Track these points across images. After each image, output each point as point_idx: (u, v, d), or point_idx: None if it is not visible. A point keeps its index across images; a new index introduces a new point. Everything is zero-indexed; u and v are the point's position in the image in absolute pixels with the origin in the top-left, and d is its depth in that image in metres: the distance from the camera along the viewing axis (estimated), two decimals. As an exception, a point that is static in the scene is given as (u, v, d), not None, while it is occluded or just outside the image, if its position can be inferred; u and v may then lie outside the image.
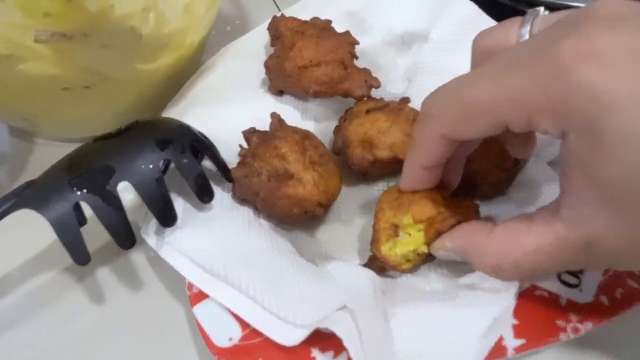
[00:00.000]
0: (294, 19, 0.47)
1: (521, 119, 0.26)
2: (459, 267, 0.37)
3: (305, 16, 0.48)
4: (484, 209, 0.39)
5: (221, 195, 0.39)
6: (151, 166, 0.34)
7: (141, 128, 0.37)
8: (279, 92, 0.47)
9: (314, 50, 0.44)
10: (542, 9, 0.31)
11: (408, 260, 0.36)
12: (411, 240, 0.35)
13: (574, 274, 0.35)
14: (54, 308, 0.39)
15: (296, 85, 0.45)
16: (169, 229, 0.36)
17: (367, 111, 0.43)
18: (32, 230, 0.40)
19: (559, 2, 0.49)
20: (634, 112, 0.23)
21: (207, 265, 0.35)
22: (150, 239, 0.37)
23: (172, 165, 0.39)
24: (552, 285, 0.34)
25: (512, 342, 0.32)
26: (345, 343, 0.29)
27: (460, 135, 0.30)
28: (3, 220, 0.34)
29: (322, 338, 0.32)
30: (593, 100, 0.23)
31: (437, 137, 0.31)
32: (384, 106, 0.43)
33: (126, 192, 0.35)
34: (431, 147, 0.32)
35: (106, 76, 0.41)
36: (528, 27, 0.30)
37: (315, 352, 0.32)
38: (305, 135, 0.41)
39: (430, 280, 0.37)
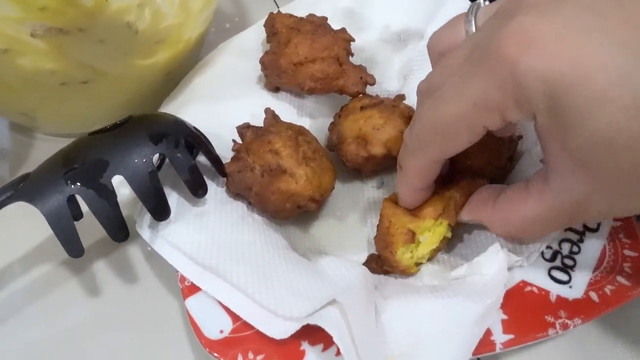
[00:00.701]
0: (290, 15, 0.48)
1: (495, 118, 0.28)
2: (449, 261, 0.38)
3: (302, 13, 0.48)
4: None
5: (215, 190, 0.39)
6: (145, 160, 0.34)
7: (135, 122, 0.37)
8: (274, 89, 0.47)
9: (310, 46, 0.45)
10: (481, 0, 0.33)
11: (417, 264, 0.37)
12: (427, 243, 0.36)
13: (565, 270, 0.35)
14: (49, 301, 0.40)
15: (291, 82, 0.45)
16: (162, 223, 0.37)
17: (362, 108, 0.43)
18: (28, 224, 0.40)
19: None
20: (580, 85, 0.25)
21: (199, 259, 0.35)
22: (145, 232, 0.37)
23: (167, 161, 0.39)
24: (542, 281, 0.35)
25: (500, 337, 0.32)
26: (335, 339, 0.30)
27: (450, 154, 0.32)
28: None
29: (312, 331, 0.32)
30: (542, 82, 0.25)
31: (429, 164, 0.33)
32: (378, 103, 0.43)
33: (122, 187, 0.36)
34: (424, 173, 0.34)
35: (103, 71, 0.41)
36: (472, 22, 0.33)
37: (304, 345, 0.32)
38: (299, 130, 0.41)
39: (421, 275, 0.37)
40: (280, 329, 0.32)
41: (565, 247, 0.36)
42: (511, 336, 0.32)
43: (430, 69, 0.48)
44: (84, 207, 0.36)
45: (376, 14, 0.52)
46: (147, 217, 0.37)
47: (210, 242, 0.36)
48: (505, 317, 0.33)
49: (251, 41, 0.50)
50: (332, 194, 0.42)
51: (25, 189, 0.34)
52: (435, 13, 0.50)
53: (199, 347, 0.36)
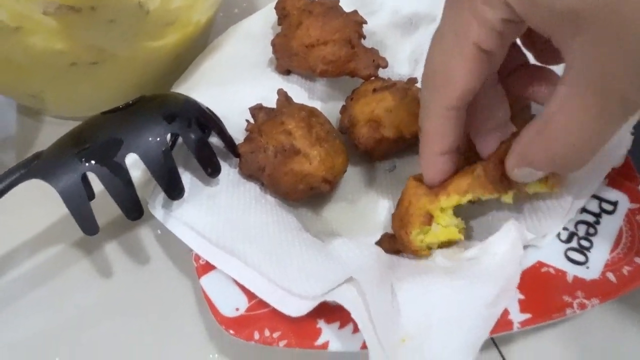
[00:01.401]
0: (301, -3, 0.47)
1: (475, 28, 0.28)
2: (462, 242, 0.37)
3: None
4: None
5: (227, 171, 0.39)
6: (158, 139, 0.34)
7: (148, 102, 0.37)
8: (285, 72, 0.47)
9: (321, 28, 0.44)
10: None
11: (429, 248, 0.36)
12: (443, 233, 0.35)
13: (581, 251, 0.35)
14: (61, 282, 0.40)
15: (303, 65, 0.45)
16: (176, 203, 0.36)
17: (374, 90, 0.43)
18: (41, 204, 0.41)
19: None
20: None
21: (214, 238, 0.35)
22: (158, 212, 0.37)
23: (179, 141, 0.39)
24: (558, 262, 0.34)
25: (518, 317, 0.32)
26: (353, 315, 0.30)
27: (458, 95, 0.31)
28: (12, 193, 0.34)
29: (328, 310, 0.32)
30: None
31: (443, 116, 0.32)
32: (391, 85, 0.43)
33: (134, 169, 0.35)
34: (441, 130, 0.33)
35: (113, 53, 0.41)
36: None
37: (320, 323, 0.32)
38: (312, 112, 0.40)
39: (434, 256, 0.37)
40: (296, 307, 0.32)
41: (582, 229, 0.36)
42: (528, 315, 0.32)
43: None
44: (96, 186, 0.37)
45: (387, -2, 0.52)
46: (160, 197, 0.37)
47: (223, 222, 0.36)
48: (521, 296, 0.33)
49: (261, 24, 0.50)
50: (343, 176, 0.41)
51: (38, 166, 0.33)
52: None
53: (212, 328, 0.36)
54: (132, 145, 0.34)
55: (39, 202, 0.41)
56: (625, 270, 0.34)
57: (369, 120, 0.42)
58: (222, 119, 0.40)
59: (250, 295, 0.33)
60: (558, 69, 0.33)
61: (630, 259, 0.34)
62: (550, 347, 0.35)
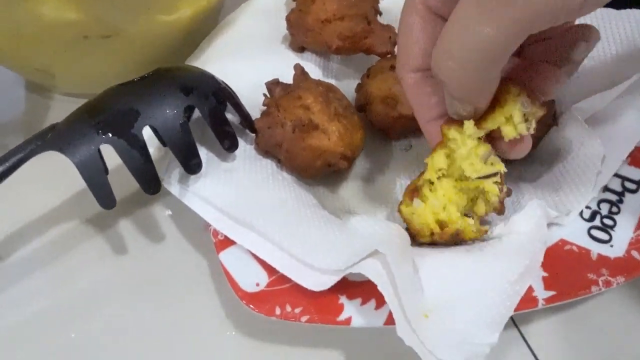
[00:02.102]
0: (317, -28, 0.46)
1: None
2: (484, 220, 0.37)
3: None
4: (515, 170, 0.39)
5: (244, 147, 0.39)
6: (176, 111, 0.33)
7: (164, 73, 0.36)
8: (300, 49, 0.46)
9: (338, 3, 0.43)
10: None
11: (431, 234, 0.34)
12: (425, 208, 0.34)
13: (605, 229, 0.34)
14: (75, 258, 0.39)
15: (318, 41, 0.44)
16: (192, 178, 0.36)
17: (391, 67, 0.42)
18: (55, 179, 0.40)
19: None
20: None
21: (232, 213, 0.34)
22: (174, 188, 0.36)
23: (195, 115, 0.38)
24: (582, 240, 0.34)
25: (542, 294, 0.32)
26: (380, 288, 0.29)
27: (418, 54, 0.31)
28: (26, 167, 0.33)
29: (350, 285, 0.31)
30: None
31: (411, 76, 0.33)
32: (407, 63, 0.42)
33: (148, 144, 0.35)
34: (415, 94, 0.33)
35: (124, 27, 0.40)
36: None
37: (343, 299, 0.32)
38: (329, 87, 0.40)
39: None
40: (318, 282, 0.31)
41: (605, 208, 0.36)
42: (553, 292, 0.32)
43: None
44: (109, 163, 0.36)
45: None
46: (176, 172, 0.37)
47: (241, 197, 0.35)
48: (545, 274, 0.32)
49: (274, 0, 0.49)
50: (359, 155, 0.41)
51: (54, 138, 0.33)
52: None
53: (228, 305, 0.36)
54: (149, 116, 0.33)
55: (53, 178, 0.41)
56: (651, 248, 0.33)
57: (385, 97, 0.41)
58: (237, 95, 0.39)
59: (270, 270, 0.33)
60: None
61: (656, 237, 0.34)
62: (570, 326, 0.35)
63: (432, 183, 0.34)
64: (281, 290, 0.32)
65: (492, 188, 0.33)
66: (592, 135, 0.36)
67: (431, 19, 0.31)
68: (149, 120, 0.33)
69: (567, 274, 0.32)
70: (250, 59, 0.45)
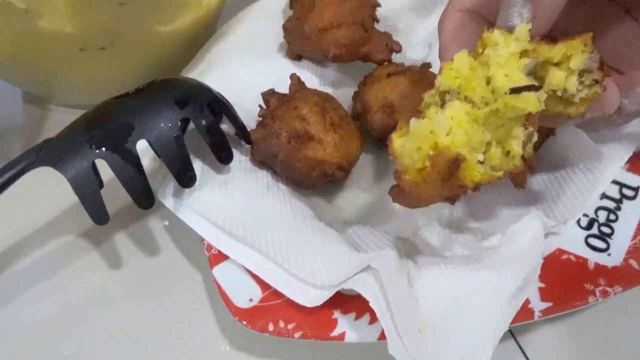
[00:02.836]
0: (314, -20, 0.46)
1: None
2: (480, 231, 0.37)
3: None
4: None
5: (239, 159, 0.38)
6: (170, 124, 0.33)
7: (159, 86, 0.36)
8: (297, 57, 0.46)
9: (335, 11, 0.43)
10: None
11: (422, 169, 0.26)
12: (423, 125, 0.26)
13: (602, 238, 0.34)
14: (70, 272, 0.39)
15: (315, 48, 0.44)
16: (187, 191, 0.36)
17: (389, 75, 0.42)
18: (50, 192, 0.40)
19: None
20: None
21: (226, 227, 0.34)
22: (168, 201, 0.36)
23: (190, 127, 0.38)
24: (579, 249, 0.34)
25: (538, 305, 0.31)
26: (371, 303, 0.29)
27: None
28: (22, 180, 0.33)
29: (344, 300, 0.31)
30: None
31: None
32: (405, 70, 0.42)
33: (142, 157, 0.35)
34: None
35: (123, 37, 0.40)
36: None
37: (336, 314, 0.31)
38: (326, 97, 0.40)
39: (452, 245, 0.36)
40: (311, 297, 0.31)
41: (602, 215, 0.35)
42: (549, 304, 0.31)
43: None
44: (105, 174, 0.36)
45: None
46: (171, 185, 0.37)
47: (236, 211, 0.35)
48: (542, 284, 0.32)
49: (271, 8, 0.49)
50: (356, 164, 0.41)
51: (48, 153, 0.33)
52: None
53: (223, 319, 0.36)
54: (143, 130, 0.33)
55: (49, 190, 0.40)
56: (649, 256, 0.33)
57: (382, 105, 0.41)
58: (233, 104, 0.39)
59: (264, 285, 0.33)
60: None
61: (654, 246, 0.33)
62: (568, 336, 0.35)
63: (443, 100, 0.27)
64: (274, 306, 0.32)
65: (518, 132, 0.26)
66: (590, 143, 0.36)
67: None
68: (144, 134, 0.33)
69: (563, 284, 0.32)
70: (247, 67, 0.45)
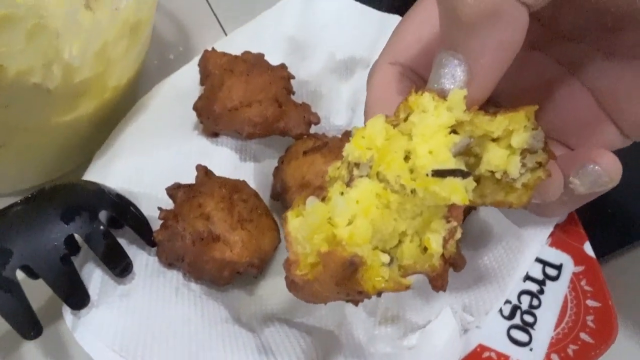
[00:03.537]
0: (224, 54, 0.44)
1: None
2: (402, 325, 0.35)
3: (244, 42, 0.45)
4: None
5: (146, 261, 0.36)
6: (55, 244, 0.31)
7: (45, 198, 0.33)
8: (213, 134, 0.44)
9: (244, 89, 0.41)
10: None
11: (314, 264, 0.22)
12: (320, 209, 0.22)
13: (525, 329, 0.32)
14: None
15: (229, 127, 0.42)
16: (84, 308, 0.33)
17: (305, 153, 0.40)
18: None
19: None
20: None
21: (123, 350, 0.32)
22: (67, 317, 0.34)
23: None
24: (500, 345, 0.32)
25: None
26: None
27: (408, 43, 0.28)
28: None
29: None
30: None
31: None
32: (322, 145, 0.40)
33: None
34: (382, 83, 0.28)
35: (18, 133, 0.38)
36: None
37: None
38: (235, 187, 0.38)
39: (375, 340, 0.34)
40: None
41: (525, 300, 0.34)
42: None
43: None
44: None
45: (321, 41, 0.49)
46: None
47: (136, 328, 0.33)
48: (462, 391, 0.30)
49: (187, 81, 0.47)
50: (278, 248, 0.39)
51: None
52: (381, 40, 0.47)
53: None
54: (23, 254, 0.31)
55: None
56: (571, 350, 0.31)
57: (300, 185, 0.39)
58: (144, 196, 0.37)
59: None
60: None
61: (576, 336, 0.32)
62: None
63: (351, 175, 0.23)
64: None
65: (438, 225, 0.22)
66: (507, 222, 0.35)
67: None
68: (24, 259, 0.30)
69: (484, 389, 0.30)
70: (162, 148, 0.43)
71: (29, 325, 0.31)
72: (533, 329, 0.32)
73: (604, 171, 0.25)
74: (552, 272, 0.34)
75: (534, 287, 0.34)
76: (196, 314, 0.34)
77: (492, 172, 0.23)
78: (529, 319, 0.33)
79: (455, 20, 0.22)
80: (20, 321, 0.30)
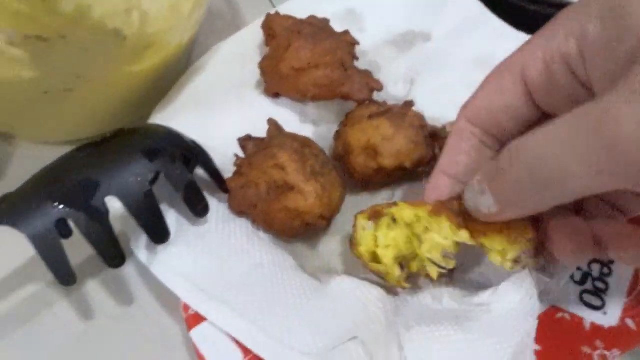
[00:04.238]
0: (289, 17, 0.45)
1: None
2: (471, 284, 0.35)
3: (300, 13, 0.45)
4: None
5: (217, 207, 0.36)
6: (140, 179, 0.31)
7: (127, 136, 0.34)
8: (274, 95, 0.44)
9: (312, 51, 0.42)
10: None
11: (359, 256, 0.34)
12: (371, 234, 0.33)
13: (597, 294, 0.33)
14: (38, 324, 0.36)
15: (293, 88, 0.42)
16: (161, 245, 0.33)
17: (370, 116, 0.40)
18: (15, 240, 0.37)
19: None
20: None
21: (204, 286, 0.32)
22: (142, 254, 0.34)
23: (162, 175, 0.36)
24: (574, 307, 0.32)
25: (536, 371, 0.30)
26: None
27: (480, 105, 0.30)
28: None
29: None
30: None
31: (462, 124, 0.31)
32: (386, 111, 0.41)
33: (115, 200, 0.32)
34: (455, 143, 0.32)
35: (88, 78, 0.38)
36: None
37: (322, 381, 0.29)
38: (305, 142, 0.38)
39: (442, 298, 0.35)
40: (296, 365, 0.29)
41: (596, 269, 0.34)
42: (547, 370, 0.30)
43: (437, 74, 0.47)
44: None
45: (378, 14, 0.49)
46: (144, 237, 0.34)
47: (214, 266, 0.33)
48: (538, 347, 0.31)
49: (247, 43, 0.47)
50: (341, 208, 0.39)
51: (6, 211, 0.30)
52: (441, 13, 0.48)
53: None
54: (110, 186, 0.31)
55: (11, 238, 0.38)
56: (645, 315, 0.32)
57: (365, 148, 0.39)
58: (208, 148, 0.37)
59: (245, 349, 0.31)
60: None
61: (649, 302, 0.32)
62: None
63: (394, 221, 0.33)
64: (257, 372, 0.30)
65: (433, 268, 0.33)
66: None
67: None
68: (111, 190, 0.31)
69: (560, 347, 0.31)
70: (222, 108, 0.43)
71: (115, 254, 0.31)
72: (605, 294, 0.33)
73: None
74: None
75: (604, 257, 0.34)
76: (267, 260, 0.35)
77: None
78: (600, 285, 0.33)
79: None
80: (106, 249, 0.31)
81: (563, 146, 0.22)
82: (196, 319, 0.32)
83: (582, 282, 0.33)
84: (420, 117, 0.41)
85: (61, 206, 0.30)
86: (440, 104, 0.44)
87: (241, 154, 0.38)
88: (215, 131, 0.40)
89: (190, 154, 0.34)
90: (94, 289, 0.38)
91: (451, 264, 0.32)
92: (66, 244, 0.31)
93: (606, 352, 0.30)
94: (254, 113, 0.43)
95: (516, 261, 0.30)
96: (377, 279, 0.36)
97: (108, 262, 0.31)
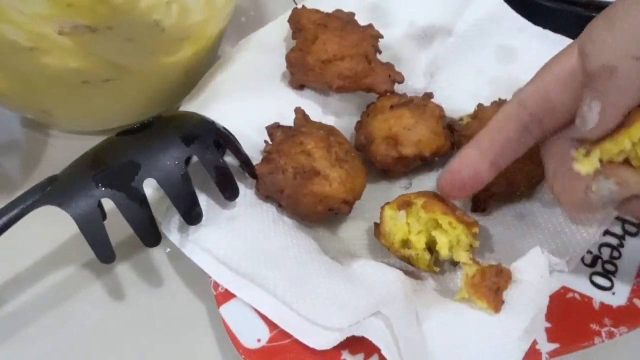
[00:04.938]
0: (316, 11, 0.46)
1: None
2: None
3: (327, 8, 0.47)
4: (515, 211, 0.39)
5: (244, 192, 0.38)
6: (177, 162, 0.33)
7: (165, 123, 0.36)
8: (299, 86, 0.46)
9: (338, 43, 0.43)
10: None
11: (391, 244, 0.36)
12: (403, 221, 0.36)
13: (606, 275, 0.34)
14: (72, 303, 0.39)
15: (319, 80, 0.44)
16: (192, 227, 0.36)
17: (392, 107, 0.42)
18: (51, 224, 0.39)
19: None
20: None
21: (233, 265, 0.34)
22: (173, 236, 0.36)
23: (193, 160, 0.38)
24: (584, 287, 0.34)
25: (546, 346, 0.31)
26: (384, 352, 0.29)
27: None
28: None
29: (352, 341, 0.31)
30: None
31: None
32: (408, 102, 0.42)
33: (145, 187, 0.35)
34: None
35: (126, 69, 0.40)
36: None
37: (345, 355, 0.31)
38: (331, 131, 0.40)
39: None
40: (321, 339, 0.31)
41: (606, 252, 0.35)
42: (556, 345, 0.31)
43: (457, 69, 0.48)
44: (106, 207, 0.36)
45: (401, 9, 0.51)
46: (175, 219, 0.36)
47: (243, 247, 0.35)
48: (548, 325, 0.32)
49: (273, 37, 0.49)
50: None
51: (53, 192, 0.32)
52: (463, 9, 0.49)
53: (229, 355, 0.36)
54: (150, 169, 0.33)
55: (50, 221, 0.40)
56: (654, 296, 0.33)
57: (386, 137, 0.41)
58: (236, 136, 0.39)
59: (272, 324, 0.32)
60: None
61: (658, 284, 0.34)
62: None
63: (424, 207, 0.35)
64: (283, 346, 0.32)
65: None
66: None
67: None
68: (150, 173, 0.33)
69: (569, 324, 0.32)
70: (249, 97, 0.45)
71: (152, 233, 0.33)
72: (614, 276, 0.34)
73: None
74: (631, 228, 0.36)
75: (613, 241, 0.36)
76: (292, 243, 0.36)
77: None
78: (610, 267, 0.35)
79: None
80: (144, 229, 0.33)
81: None
82: (225, 296, 0.34)
83: (592, 264, 0.35)
84: (440, 108, 0.43)
85: (104, 188, 0.32)
86: (458, 97, 0.46)
87: (269, 142, 0.40)
88: (243, 120, 0.42)
89: (222, 140, 0.36)
90: (125, 271, 0.40)
91: (476, 244, 0.35)
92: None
93: (614, 329, 0.32)
94: (279, 103, 0.44)
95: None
96: (398, 263, 0.38)
97: (145, 241, 0.33)
